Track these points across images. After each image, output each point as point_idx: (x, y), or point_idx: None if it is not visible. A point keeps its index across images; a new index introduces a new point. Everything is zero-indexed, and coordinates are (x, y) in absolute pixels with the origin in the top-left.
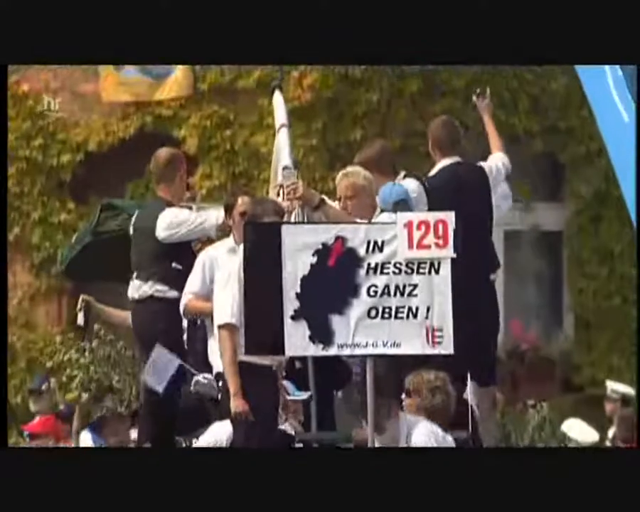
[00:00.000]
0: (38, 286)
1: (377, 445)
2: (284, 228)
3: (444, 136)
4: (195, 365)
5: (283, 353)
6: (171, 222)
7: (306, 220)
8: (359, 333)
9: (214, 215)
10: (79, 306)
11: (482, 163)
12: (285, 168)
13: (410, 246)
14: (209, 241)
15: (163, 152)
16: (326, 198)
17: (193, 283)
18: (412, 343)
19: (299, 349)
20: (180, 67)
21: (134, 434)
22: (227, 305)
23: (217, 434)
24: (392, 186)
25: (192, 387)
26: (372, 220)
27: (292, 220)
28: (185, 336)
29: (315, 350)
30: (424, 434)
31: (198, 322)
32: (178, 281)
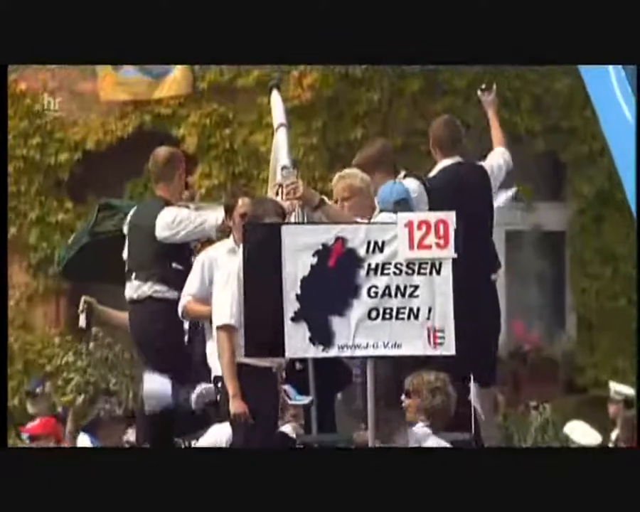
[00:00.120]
0: (35, 287)
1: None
2: (284, 228)
3: (445, 136)
4: (197, 367)
5: (283, 354)
6: (171, 223)
7: (305, 220)
8: (360, 335)
9: (214, 216)
10: (81, 308)
11: (483, 163)
12: (284, 167)
13: (411, 246)
14: (209, 242)
15: (163, 151)
16: (325, 198)
17: (192, 284)
18: (413, 344)
19: (299, 350)
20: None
21: (128, 436)
22: (226, 306)
23: (217, 436)
24: (392, 185)
25: (194, 405)
26: (372, 221)
27: (292, 220)
28: (186, 338)
29: (315, 351)
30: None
31: (200, 324)
32: (178, 282)
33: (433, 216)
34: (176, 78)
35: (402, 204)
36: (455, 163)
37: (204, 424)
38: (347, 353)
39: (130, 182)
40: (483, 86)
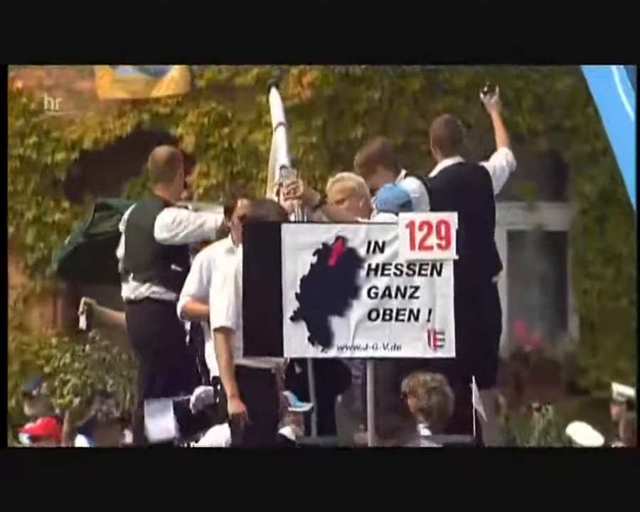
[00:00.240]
0: (32, 288)
1: None
2: (284, 227)
3: (445, 136)
4: (197, 368)
5: (282, 354)
6: (170, 224)
7: (305, 219)
8: (359, 335)
9: (213, 218)
10: (81, 309)
11: (485, 164)
12: (283, 167)
13: (412, 247)
14: (207, 242)
15: (162, 151)
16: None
17: (191, 284)
18: (413, 346)
19: (298, 351)
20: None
21: (125, 437)
22: (222, 308)
23: (216, 437)
24: (392, 188)
25: (193, 410)
26: (373, 221)
27: (292, 219)
28: (187, 339)
29: (314, 351)
30: None
31: (200, 324)
32: (176, 283)
33: (435, 217)
34: (174, 77)
35: (407, 207)
36: (456, 163)
37: (203, 426)
38: (346, 354)
39: (128, 182)
40: (486, 88)
